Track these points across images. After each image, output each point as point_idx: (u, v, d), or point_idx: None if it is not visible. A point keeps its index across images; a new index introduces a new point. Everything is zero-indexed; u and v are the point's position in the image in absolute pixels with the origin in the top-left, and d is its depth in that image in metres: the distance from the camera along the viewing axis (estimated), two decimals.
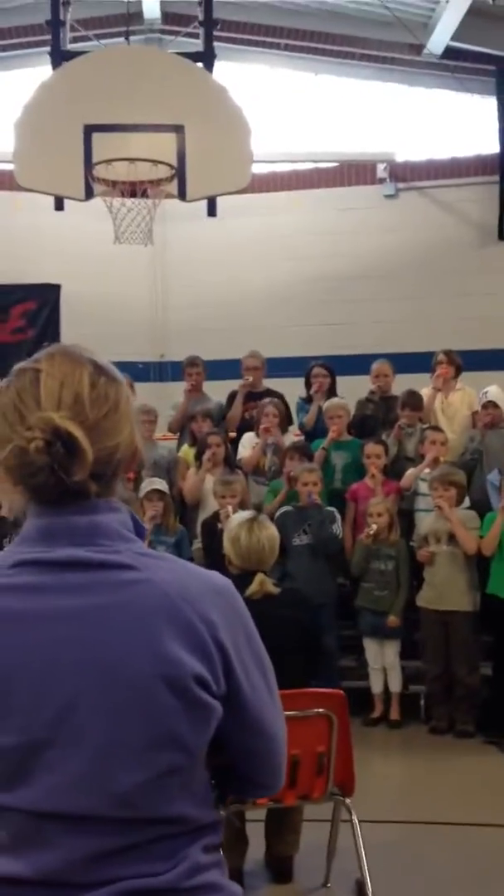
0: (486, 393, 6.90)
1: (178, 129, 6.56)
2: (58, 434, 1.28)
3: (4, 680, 1.26)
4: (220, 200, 7.20)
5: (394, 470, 6.76)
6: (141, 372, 8.76)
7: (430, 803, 4.86)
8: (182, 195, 6.59)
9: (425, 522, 6.24)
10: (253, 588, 3.61)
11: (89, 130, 6.34)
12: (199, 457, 6.75)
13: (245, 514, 3.93)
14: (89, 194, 6.52)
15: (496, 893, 3.79)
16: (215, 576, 1.40)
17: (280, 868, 3.93)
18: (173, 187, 6.63)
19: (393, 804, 4.79)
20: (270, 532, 3.77)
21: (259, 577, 3.68)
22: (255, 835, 3.90)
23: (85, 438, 1.29)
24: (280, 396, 7.37)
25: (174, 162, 6.53)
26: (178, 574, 1.35)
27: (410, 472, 6.55)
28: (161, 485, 6.32)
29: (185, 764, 1.30)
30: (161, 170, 6.46)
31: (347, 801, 3.55)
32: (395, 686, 6.18)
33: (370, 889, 3.45)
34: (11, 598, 1.29)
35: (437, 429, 6.65)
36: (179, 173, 6.52)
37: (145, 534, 1.43)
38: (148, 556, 1.36)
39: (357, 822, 3.49)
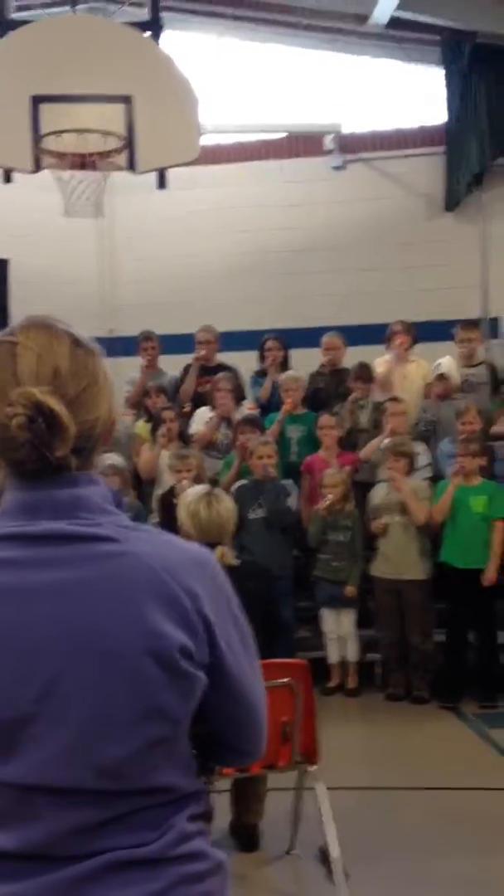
0: (438, 365, 6.99)
1: (127, 100, 6.46)
2: (39, 409, 1.26)
3: None
4: (169, 173, 7.12)
5: (348, 442, 6.81)
6: None
7: (390, 769, 4.95)
8: (132, 167, 6.49)
9: (378, 493, 6.30)
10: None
11: (36, 101, 6.20)
12: (153, 432, 6.73)
13: (200, 488, 3.93)
14: (38, 166, 6.39)
15: (457, 854, 3.88)
16: (197, 548, 1.41)
17: (246, 836, 3.98)
18: (123, 159, 6.53)
19: (354, 771, 4.86)
20: (228, 504, 3.79)
21: (220, 549, 3.70)
22: (221, 805, 3.94)
23: (66, 413, 1.28)
24: (233, 370, 7.37)
25: (123, 133, 6.43)
26: (161, 546, 1.35)
27: (372, 443, 6.60)
28: (117, 460, 6.29)
29: (171, 735, 1.31)
30: (110, 141, 6.35)
31: (312, 768, 3.60)
32: (352, 655, 6.26)
33: (336, 854, 3.49)
34: None
35: (396, 399, 6.69)
36: (129, 145, 6.42)
37: (125, 506, 1.42)
38: (129, 528, 1.35)
39: (322, 789, 3.53)
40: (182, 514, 3.84)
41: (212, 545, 3.68)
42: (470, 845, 3.95)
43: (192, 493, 3.90)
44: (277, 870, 3.83)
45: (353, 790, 4.52)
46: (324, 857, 3.68)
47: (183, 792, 1.36)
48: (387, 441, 6.36)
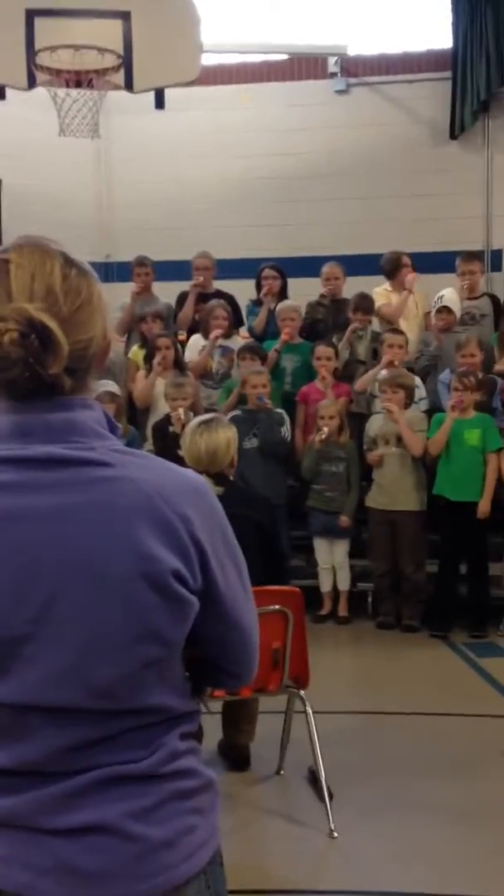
0: (440, 297, 6.92)
1: (125, 16, 6.29)
2: (32, 326, 1.25)
3: None
4: (167, 93, 6.97)
5: (345, 373, 6.79)
6: None
7: (379, 695, 5.04)
8: (129, 86, 6.35)
9: (374, 425, 6.31)
10: None
11: (31, 15, 6.05)
12: (148, 359, 6.69)
13: (203, 417, 3.95)
14: (32, 83, 6.25)
15: (441, 778, 3.97)
16: (190, 474, 1.40)
17: (236, 757, 4.07)
18: (120, 78, 6.39)
19: (344, 696, 4.95)
20: (213, 437, 3.75)
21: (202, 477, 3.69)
22: (214, 726, 4.02)
23: (60, 330, 1.26)
24: (230, 298, 7.30)
25: (120, 50, 6.27)
26: (155, 471, 1.34)
27: (368, 374, 6.58)
28: (113, 387, 6.28)
29: (164, 656, 1.32)
30: (107, 59, 6.21)
31: (301, 693, 3.66)
32: (344, 584, 6.33)
33: (323, 775, 3.58)
34: None
35: (396, 331, 6.64)
36: (126, 63, 6.27)
37: (119, 431, 1.41)
38: (124, 453, 1.35)
39: (311, 712, 3.60)
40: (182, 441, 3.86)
41: (204, 473, 3.70)
42: (454, 770, 4.03)
43: (192, 422, 3.91)
44: (266, 789, 3.92)
45: (341, 714, 4.61)
46: (311, 777, 3.77)
47: (175, 712, 1.38)
48: (384, 373, 6.33)
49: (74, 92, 6.38)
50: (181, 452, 5.92)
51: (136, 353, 7.04)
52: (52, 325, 1.26)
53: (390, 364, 6.37)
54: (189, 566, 1.32)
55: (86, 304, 1.33)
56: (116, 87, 6.55)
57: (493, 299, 7.19)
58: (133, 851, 1.31)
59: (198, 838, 1.38)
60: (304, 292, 7.52)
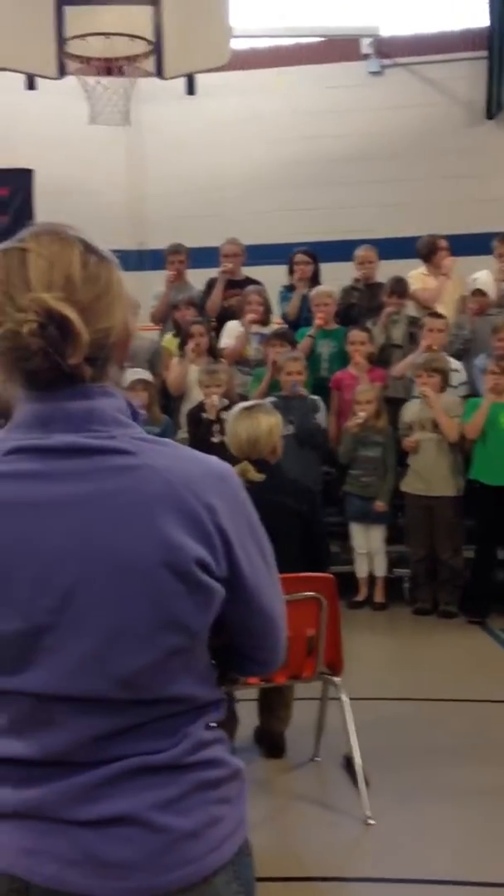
0: (475, 280, 6.84)
1: (154, 2, 6.27)
2: (51, 316, 1.24)
3: (5, 568, 1.26)
4: (198, 79, 6.95)
5: (381, 358, 6.73)
6: (120, 261, 8.55)
7: (415, 681, 5.01)
8: (160, 72, 6.33)
9: (410, 410, 6.25)
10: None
11: (61, 3, 6.04)
12: (182, 346, 6.68)
13: (246, 403, 3.95)
14: (62, 72, 6.25)
15: (478, 764, 3.94)
16: (215, 461, 1.39)
17: (272, 743, 4.07)
18: (150, 64, 6.37)
19: (380, 682, 4.94)
20: (254, 423, 3.75)
21: (242, 464, 3.69)
22: (249, 713, 4.02)
23: (79, 320, 1.25)
24: (260, 284, 7.26)
25: (151, 37, 6.25)
26: (178, 459, 1.34)
27: (407, 359, 6.52)
28: (145, 375, 6.28)
29: (188, 645, 1.32)
30: (137, 45, 6.19)
31: (336, 679, 3.65)
32: (381, 570, 6.30)
33: (359, 761, 3.57)
34: (11, 486, 1.27)
35: (437, 315, 6.56)
36: (157, 49, 6.25)
37: (142, 420, 1.40)
38: (146, 441, 1.34)
39: (346, 699, 3.59)
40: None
41: (246, 459, 3.70)
42: (491, 757, 4.01)
43: (235, 408, 3.90)
44: (301, 776, 3.92)
45: (377, 701, 4.59)
46: (347, 764, 3.76)
47: (201, 701, 1.37)
48: (421, 357, 6.28)
49: (105, 80, 6.37)
50: (214, 439, 6.01)
51: (170, 340, 7.04)
52: (72, 314, 1.25)
53: (429, 348, 6.30)
54: (213, 554, 1.31)
55: (105, 292, 1.32)
56: (147, 74, 6.54)
57: None
58: (159, 842, 1.30)
59: (225, 829, 1.37)
60: (337, 277, 7.47)
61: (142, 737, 1.31)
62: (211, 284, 7.40)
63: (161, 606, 1.27)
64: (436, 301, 6.89)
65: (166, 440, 1.39)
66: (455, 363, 6.49)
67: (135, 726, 1.30)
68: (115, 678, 1.27)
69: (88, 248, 1.33)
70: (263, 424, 3.76)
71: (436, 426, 6.06)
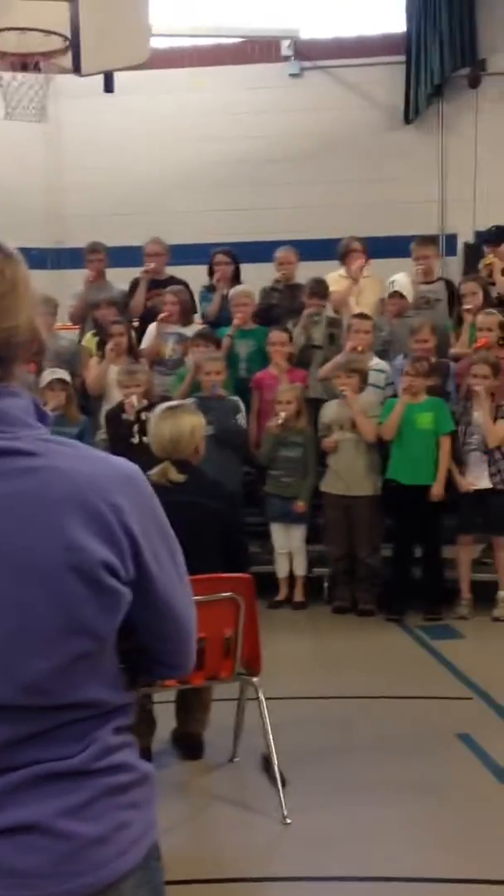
0: (393, 282, 6.92)
1: None
2: None
3: None
4: (118, 77, 6.88)
5: (301, 359, 6.77)
6: (37, 259, 8.44)
7: (335, 679, 5.05)
8: (77, 69, 6.24)
9: (329, 411, 6.30)
10: (155, 474, 3.62)
11: None
12: (102, 346, 6.62)
13: (170, 403, 3.93)
14: None
15: (396, 760, 3.99)
16: (123, 462, 1.38)
17: (190, 745, 4.05)
18: (67, 61, 6.28)
19: (299, 682, 4.96)
20: (177, 422, 3.75)
21: (164, 464, 3.69)
22: (166, 715, 4.00)
23: None
24: (184, 284, 7.24)
25: (68, 33, 6.17)
26: (84, 460, 1.32)
27: (333, 361, 6.54)
28: (63, 374, 6.21)
29: (95, 649, 1.30)
30: (54, 41, 6.10)
31: (254, 680, 3.65)
32: (300, 569, 6.34)
33: (276, 761, 3.58)
34: None
35: (363, 316, 6.61)
36: (73, 45, 6.16)
37: (49, 420, 1.38)
38: (52, 442, 1.32)
39: (263, 699, 3.59)
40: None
41: (169, 460, 3.70)
42: (408, 752, 4.06)
43: (158, 408, 3.89)
44: (220, 777, 3.92)
45: (297, 700, 4.62)
46: (265, 764, 3.77)
47: (109, 706, 1.36)
48: (338, 358, 6.33)
49: (20, 75, 6.26)
50: (133, 440, 5.97)
51: (90, 340, 6.97)
52: None
53: (354, 349, 6.36)
54: (120, 556, 1.30)
55: (10, 290, 1.29)
56: (64, 71, 6.45)
57: (448, 284, 7.21)
58: (65, 849, 1.29)
59: (133, 833, 1.36)
60: (258, 277, 7.48)
61: (48, 743, 1.29)
62: (135, 284, 7.34)
63: (66, 610, 1.26)
64: (342, 304, 6.94)
65: (72, 441, 1.37)
66: (382, 364, 6.56)
67: (40, 733, 1.28)
68: (20, 684, 1.25)
69: None
70: (186, 424, 3.76)
71: (354, 426, 6.12)
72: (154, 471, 3.64)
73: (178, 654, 1.47)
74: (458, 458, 5.98)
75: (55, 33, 6.05)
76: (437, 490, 5.91)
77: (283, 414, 6.16)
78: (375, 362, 6.54)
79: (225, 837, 3.47)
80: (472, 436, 5.99)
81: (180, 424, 3.74)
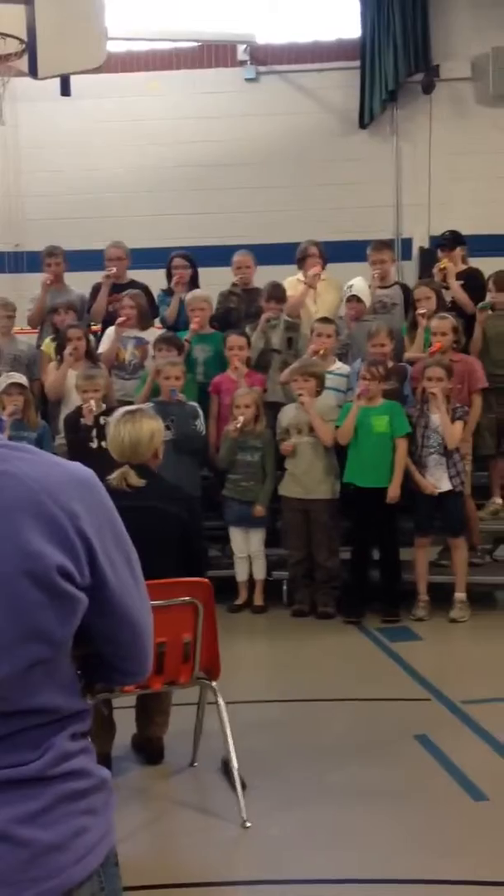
0: (350, 286, 6.96)
1: (28, 1, 6.16)
2: None
3: None
4: (75, 80, 6.87)
5: (259, 362, 6.78)
6: None
7: (295, 682, 5.06)
8: (33, 72, 6.23)
9: (287, 415, 6.32)
10: (115, 478, 3.62)
11: None
12: (60, 351, 6.59)
13: (128, 407, 3.93)
14: None
15: (356, 762, 4.01)
16: (78, 467, 1.38)
17: (150, 749, 4.05)
18: (24, 63, 6.26)
19: (259, 685, 4.98)
20: (136, 427, 3.76)
21: (123, 469, 3.69)
22: (126, 720, 3.99)
23: None
24: (145, 288, 7.22)
25: (24, 36, 6.14)
26: (39, 466, 1.32)
27: (294, 365, 6.56)
28: (20, 379, 6.17)
29: (51, 656, 1.30)
30: (10, 44, 6.08)
31: (213, 684, 3.65)
32: (260, 573, 6.35)
33: (235, 765, 3.58)
34: None
35: (325, 320, 6.63)
36: (30, 48, 6.15)
37: (3, 427, 1.37)
38: (6, 447, 1.32)
39: (223, 703, 3.60)
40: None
41: (129, 465, 3.69)
42: (368, 755, 4.08)
43: (117, 412, 3.88)
44: (180, 782, 3.91)
45: (257, 703, 4.62)
46: (225, 768, 3.77)
47: (65, 712, 1.36)
48: (295, 362, 6.36)
49: None
50: (92, 444, 5.94)
51: (49, 345, 6.93)
52: None
53: (316, 353, 6.38)
54: (76, 562, 1.30)
55: None
56: (20, 74, 6.43)
57: (404, 288, 7.27)
58: (22, 856, 1.29)
59: (90, 839, 1.36)
60: (215, 281, 7.49)
61: (4, 749, 1.29)
62: (97, 289, 7.31)
63: (21, 616, 1.25)
64: (296, 309, 6.97)
65: (27, 446, 1.37)
66: (345, 368, 6.59)
67: None
68: None
69: None
70: (146, 429, 3.76)
71: (311, 430, 6.14)
72: (113, 475, 3.64)
73: (135, 661, 1.48)
74: (417, 462, 6.03)
75: (11, 36, 6.03)
76: (394, 492, 5.95)
77: (241, 418, 6.17)
78: (338, 366, 6.57)
79: (185, 842, 3.47)
80: (430, 439, 6.04)
81: (140, 429, 3.75)
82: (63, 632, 1.31)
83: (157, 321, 7.28)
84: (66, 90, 6.68)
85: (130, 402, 5.87)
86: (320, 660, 5.44)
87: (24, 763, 1.29)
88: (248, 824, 3.44)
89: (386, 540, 6.08)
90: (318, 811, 3.58)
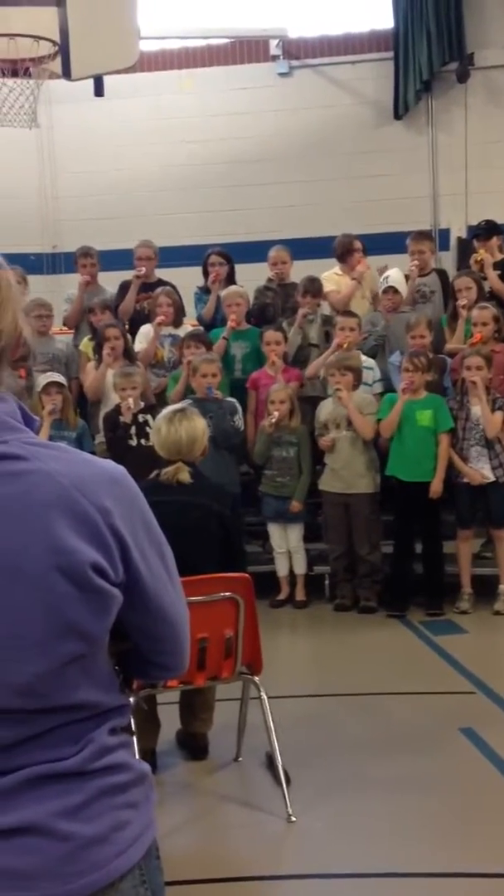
0: (387, 277, 6.92)
1: (60, 3, 6.19)
2: None
3: None
4: (108, 80, 6.88)
5: (298, 357, 6.78)
6: (33, 264, 8.46)
7: (337, 676, 5.05)
8: (67, 74, 6.24)
9: (325, 409, 6.30)
10: (167, 471, 3.66)
11: None
12: (98, 350, 6.63)
13: (174, 406, 3.96)
14: None
15: (400, 755, 3.99)
16: (109, 464, 1.38)
17: (195, 745, 4.06)
18: (57, 65, 6.29)
19: (302, 679, 4.97)
20: (192, 424, 3.79)
21: (177, 465, 3.71)
22: (171, 716, 4.00)
23: None
24: (171, 286, 7.24)
25: (56, 38, 6.17)
26: (71, 463, 1.32)
27: (318, 359, 6.57)
28: (59, 378, 6.22)
29: (86, 652, 1.31)
30: (43, 46, 6.10)
31: (256, 679, 3.66)
32: (300, 568, 6.34)
33: (279, 760, 3.58)
34: None
35: (348, 313, 6.62)
36: (63, 50, 6.17)
37: (35, 425, 1.38)
38: (39, 445, 1.32)
39: (266, 698, 3.60)
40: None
41: (182, 462, 3.73)
42: (412, 747, 4.06)
43: (165, 411, 3.92)
44: (224, 777, 3.92)
45: (300, 698, 4.62)
46: (269, 763, 3.78)
47: (103, 707, 1.36)
48: (331, 356, 6.34)
49: (10, 81, 6.27)
50: (132, 442, 5.97)
51: (87, 344, 6.98)
52: None
53: (339, 347, 6.36)
54: (109, 558, 1.30)
55: None
56: (54, 76, 6.46)
57: (441, 274, 7.21)
58: (64, 850, 1.29)
59: (131, 833, 1.37)
60: (252, 277, 7.49)
61: (44, 745, 1.29)
62: (124, 287, 7.35)
63: (56, 613, 1.26)
64: (345, 305, 6.95)
65: (59, 444, 1.38)
66: (369, 361, 6.57)
67: (36, 735, 1.29)
68: (13, 687, 1.25)
69: None
70: (200, 426, 3.82)
71: (350, 424, 6.12)
72: (167, 470, 3.68)
73: (171, 655, 1.48)
74: (459, 454, 5.98)
75: (44, 38, 6.05)
76: (437, 487, 5.91)
77: (275, 413, 6.16)
78: (364, 360, 6.54)
79: (231, 837, 3.47)
80: (471, 430, 5.99)
81: (195, 426, 3.79)
82: (98, 628, 1.31)
83: (191, 318, 7.29)
84: (99, 91, 6.69)
85: (165, 399, 5.91)
86: (363, 654, 5.42)
87: (63, 758, 1.30)
88: (294, 818, 3.44)
89: (429, 533, 6.04)
90: (363, 805, 3.57)
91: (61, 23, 6.17)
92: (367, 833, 3.36)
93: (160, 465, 3.77)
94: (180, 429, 3.74)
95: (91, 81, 6.72)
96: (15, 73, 6.25)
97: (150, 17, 7.82)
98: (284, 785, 3.52)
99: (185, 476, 3.70)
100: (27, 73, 6.34)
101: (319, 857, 3.26)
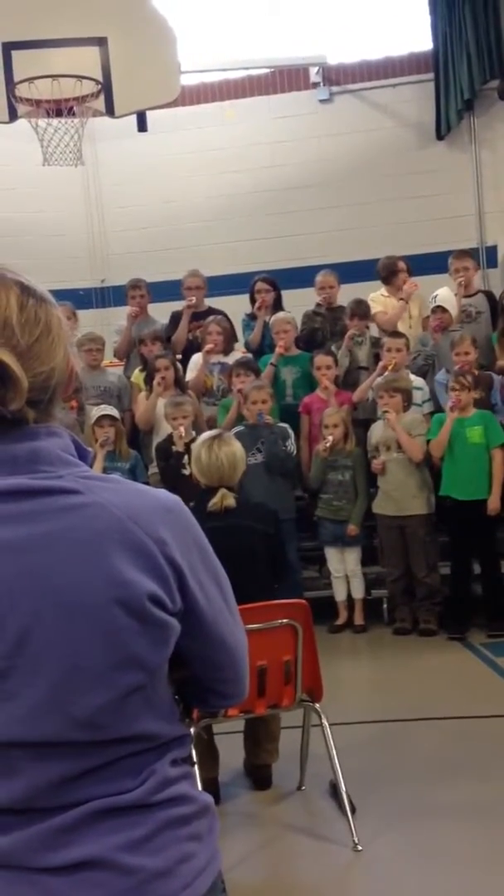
0: (435, 297, 6.90)
1: (101, 42, 6.33)
2: None
3: None
4: (150, 115, 7.00)
5: (348, 380, 6.77)
6: (82, 299, 8.60)
7: (399, 701, 4.99)
8: (110, 111, 6.38)
9: (376, 432, 6.28)
10: (214, 501, 3.67)
11: (8, 48, 6.09)
12: (149, 381, 6.69)
13: (210, 433, 3.98)
14: (13, 116, 6.29)
15: (463, 781, 3.92)
16: (163, 493, 1.39)
17: (259, 776, 4.03)
18: (100, 103, 6.42)
19: (364, 705, 4.91)
20: (231, 449, 3.81)
21: (221, 491, 3.73)
22: (234, 746, 3.98)
23: (17, 365, 1.25)
24: (223, 314, 7.29)
25: (99, 77, 6.31)
26: (126, 495, 1.33)
27: (366, 382, 6.55)
28: (111, 410, 6.28)
29: (146, 682, 1.30)
30: (86, 86, 6.24)
31: (317, 706, 3.63)
32: (358, 592, 6.30)
33: (343, 788, 3.54)
34: None
35: (396, 334, 6.61)
36: (105, 88, 6.30)
37: (90, 457, 1.40)
38: (93, 478, 1.33)
39: (327, 725, 3.57)
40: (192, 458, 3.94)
41: (217, 488, 3.74)
42: (477, 772, 3.99)
43: (201, 437, 3.94)
44: (288, 806, 3.88)
45: (362, 724, 4.57)
46: (333, 791, 3.74)
47: (164, 738, 1.36)
48: (380, 378, 6.31)
49: (56, 121, 6.42)
50: (185, 471, 5.99)
51: (138, 375, 7.05)
52: (10, 360, 1.24)
53: (385, 368, 6.34)
54: (166, 588, 1.30)
55: (45, 333, 1.31)
56: (98, 114, 6.59)
57: (489, 296, 7.17)
58: (129, 884, 1.28)
59: (197, 865, 1.35)
60: (299, 303, 7.51)
61: (105, 778, 1.29)
62: (175, 318, 7.42)
63: (116, 644, 1.26)
64: (394, 326, 6.94)
65: (112, 476, 1.39)
66: (418, 381, 6.53)
67: (97, 767, 1.28)
68: (74, 720, 1.26)
69: (26, 290, 1.32)
70: (238, 450, 3.84)
71: (401, 446, 6.08)
72: (215, 499, 3.70)
73: (231, 683, 1.47)
74: None
75: (87, 78, 6.19)
76: (494, 504, 5.84)
77: (330, 438, 6.15)
78: (413, 380, 6.51)
79: (297, 866, 3.43)
80: None
81: (234, 451, 3.82)
82: (157, 658, 1.31)
83: (238, 346, 7.34)
84: (142, 126, 6.81)
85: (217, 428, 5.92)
86: (425, 677, 5.35)
87: (125, 791, 1.30)
88: (360, 847, 3.39)
89: (487, 552, 5.96)
90: (430, 831, 3.51)
91: (103, 62, 6.32)
92: (436, 861, 3.30)
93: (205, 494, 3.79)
94: (220, 454, 3.76)
95: (134, 117, 6.86)
96: (59, 113, 6.40)
97: (190, 51, 7.94)
98: (349, 813, 3.47)
99: (230, 501, 3.73)
100: (71, 113, 6.49)
101: (388, 887, 3.20)
